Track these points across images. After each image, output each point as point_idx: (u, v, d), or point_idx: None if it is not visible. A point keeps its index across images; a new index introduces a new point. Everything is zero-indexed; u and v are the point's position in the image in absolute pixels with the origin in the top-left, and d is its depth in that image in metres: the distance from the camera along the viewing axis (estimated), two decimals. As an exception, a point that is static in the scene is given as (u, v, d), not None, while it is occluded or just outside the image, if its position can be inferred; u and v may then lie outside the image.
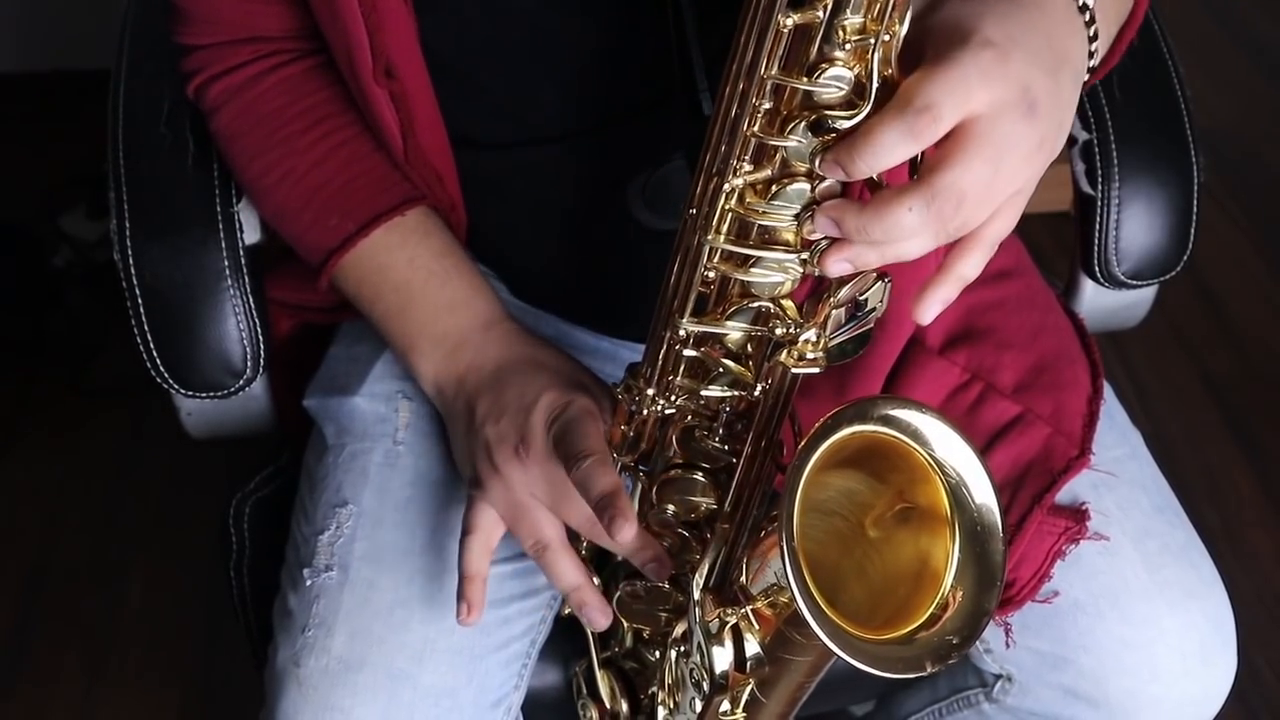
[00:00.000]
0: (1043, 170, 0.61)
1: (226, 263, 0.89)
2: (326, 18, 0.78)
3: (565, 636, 0.90)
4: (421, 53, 0.78)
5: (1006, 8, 0.59)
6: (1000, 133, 0.57)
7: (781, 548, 0.61)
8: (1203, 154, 0.97)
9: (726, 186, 0.62)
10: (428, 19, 0.78)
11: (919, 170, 0.59)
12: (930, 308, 0.64)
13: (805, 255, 0.64)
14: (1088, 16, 0.64)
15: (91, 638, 1.58)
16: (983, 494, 0.66)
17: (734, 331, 0.68)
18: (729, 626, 0.69)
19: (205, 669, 1.55)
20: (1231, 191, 2.15)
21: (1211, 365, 1.90)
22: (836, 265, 0.61)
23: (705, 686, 0.70)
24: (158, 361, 0.90)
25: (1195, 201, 0.97)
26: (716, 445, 0.73)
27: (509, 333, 0.83)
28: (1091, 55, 0.65)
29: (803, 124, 0.59)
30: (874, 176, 0.59)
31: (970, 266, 0.63)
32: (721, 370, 0.69)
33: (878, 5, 0.56)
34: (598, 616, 0.78)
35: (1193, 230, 0.97)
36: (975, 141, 0.57)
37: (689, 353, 0.69)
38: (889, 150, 0.57)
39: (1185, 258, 0.98)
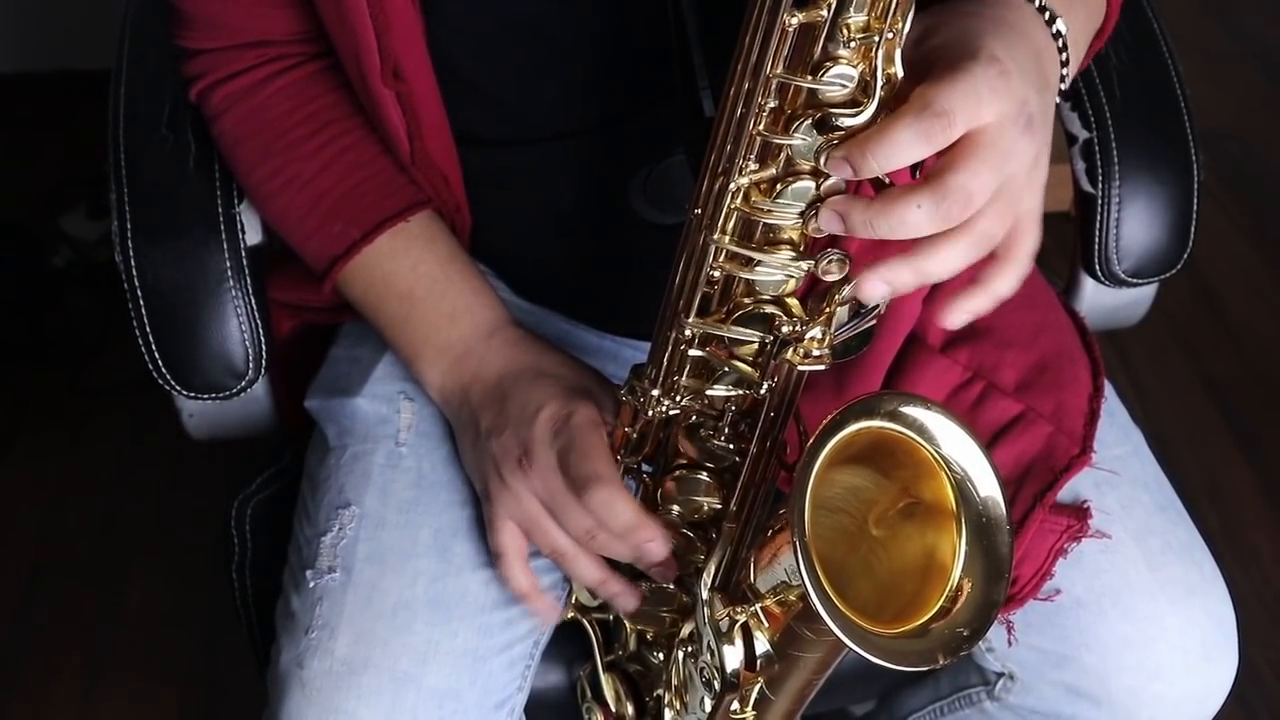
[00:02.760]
0: (1043, 188, 0.63)
1: (228, 264, 0.89)
2: (334, 20, 0.78)
3: (567, 637, 0.90)
4: (428, 54, 0.78)
5: (1000, 28, 0.62)
6: (1004, 144, 0.59)
7: (794, 544, 0.62)
8: (1203, 154, 0.97)
9: (732, 186, 0.62)
10: (433, 19, 0.78)
11: (925, 175, 0.59)
12: (959, 316, 0.65)
13: (812, 259, 0.64)
14: (1060, 43, 0.67)
15: (91, 638, 1.58)
16: (988, 487, 0.67)
17: (739, 331, 0.68)
18: (738, 625, 0.69)
19: (205, 669, 1.54)
20: (1231, 191, 2.15)
21: (1211, 365, 1.90)
22: (874, 288, 0.62)
23: (716, 685, 0.70)
24: (159, 363, 0.90)
25: (1195, 199, 0.97)
26: (721, 445, 0.73)
27: (511, 340, 0.83)
28: (1063, 80, 0.68)
29: (807, 122, 0.60)
30: (880, 177, 0.60)
31: (1006, 284, 0.64)
32: (727, 369, 0.69)
33: (881, 3, 0.57)
34: (628, 602, 0.80)
35: (1193, 228, 0.98)
36: (983, 149, 0.58)
37: (694, 352, 0.69)
38: (902, 150, 0.57)
39: (1185, 256, 0.98)
